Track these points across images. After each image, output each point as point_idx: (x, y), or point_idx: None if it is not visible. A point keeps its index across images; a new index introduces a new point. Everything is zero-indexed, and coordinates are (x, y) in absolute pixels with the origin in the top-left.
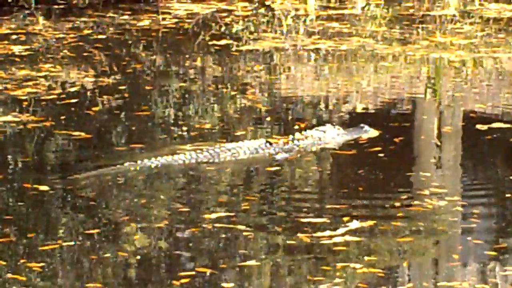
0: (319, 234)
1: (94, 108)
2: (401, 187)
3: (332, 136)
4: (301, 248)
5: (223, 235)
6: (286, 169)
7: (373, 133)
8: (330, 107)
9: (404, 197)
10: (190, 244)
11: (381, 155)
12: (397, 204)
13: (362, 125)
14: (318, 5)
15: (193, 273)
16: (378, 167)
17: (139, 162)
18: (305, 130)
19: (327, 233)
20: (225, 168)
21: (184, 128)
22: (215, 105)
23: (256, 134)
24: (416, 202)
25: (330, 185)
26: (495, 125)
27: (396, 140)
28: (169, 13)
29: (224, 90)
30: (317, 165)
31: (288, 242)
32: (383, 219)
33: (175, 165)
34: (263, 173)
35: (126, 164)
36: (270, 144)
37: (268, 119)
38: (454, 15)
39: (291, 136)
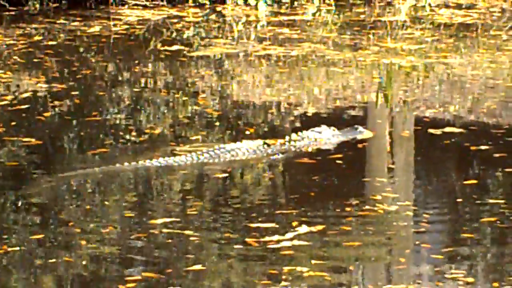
0: (267, 238)
1: (45, 114)
2: (353, 193)
3: (328, 137)
4: (249, 252)
5: (171, 240)
6: (239, 175)
7: (367, 134)
8: (282, 112)
9: (356, 202)
10: (138, 249)
11: (339, 161)
12: (348, 209)
13: (356, 126)
14: (269, 11)
15: (140, 277)
16: (333, 173)
17: (140, 163)
18: (301, 131)
19: (276, 237)
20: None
21: (135, 134)
22: (166, 111)
23: (207, 139)
24: (367, 207)
25: (282, 191)
26: (448, 129)
27: (349, 145)
28: (120, 20)
29: (175, 95)
30: (270, 172)
31: (235, 246)
32: (333, 223)
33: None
34: (215, 179)
35: (126, 164)
36: (268, 145)
37: (217, 124)
38: (405, 21)
39: (287, 137)
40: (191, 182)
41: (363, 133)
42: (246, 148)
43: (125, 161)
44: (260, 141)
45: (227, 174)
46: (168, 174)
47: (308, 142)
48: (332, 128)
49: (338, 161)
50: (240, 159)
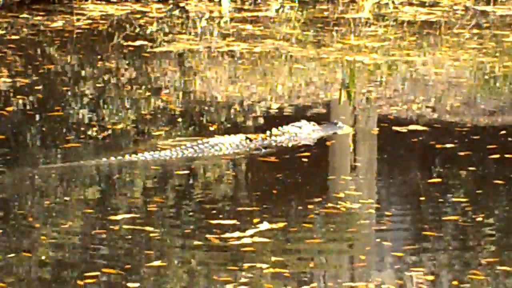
0: (227, 235)
1: (8, 109)
2: (316, 190)
3: (308, 132)
4: (209, 249)
5: (130, 236)
6: (202, 172)
7: (347, 129)
8: (245, 108)
9: (318, 199)
10: (97, 245)
11: (304, 159)
12: (310, 206)
13: (336, 121)
14: (233, 7)
15: (98, 273)
16: (298, 171)
17: (127, 156)
18: (282, 126)
19: (236, 234)
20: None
21: (96, 129)
22: (129, 106)
23: (170, 135)
24: (329, 205)
25: (245, 188)
26: (412, 127)
27: (317, 143)
28: (83, 15)
29: (138, 91)
30: (234, 169)
31: (196, 243)
32: (295, 221)
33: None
34: (178, 175)
35: (112, 158)
36: (250, 140)
37: (180, 120)
38: (368, 18)
39: (268, 132)
40: (156, 178)
41: (343, 128)
42: (229, 143)
43: (88, 156)
44: (242, 136)
45: (191, 171)
46: (138, 169)
47: (288, 136)
48: (312, 123)
49: (303, 159)
50: (223, 153)
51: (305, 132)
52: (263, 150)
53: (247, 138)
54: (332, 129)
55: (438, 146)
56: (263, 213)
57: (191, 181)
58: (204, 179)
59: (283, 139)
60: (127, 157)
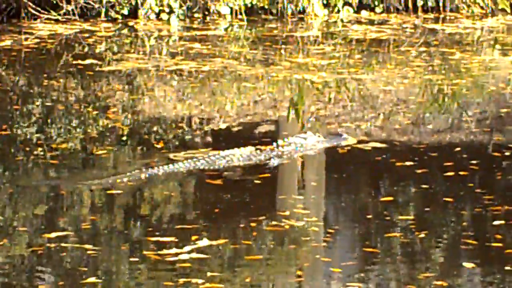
0: (165, 252)
1: None
2: (262, 209)
3: (313, 143)
4: (145, 265)
5: (65, 254)
6: (148, 190)
7: (351, 140)
8: (193, 127)
9: (263, 218)
10: (32, 263)
11: (257, 181)
12: (253, 224)
13: (341, 133)
14: (181, 26)
15: None
16: (247, 191)
17: (138, 171)
18: (287, 137)
19: (173, 250)
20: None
21: (43, 149)
22: (77, 125)
23: (118, 153)
24: (273, 223)
25: (190, 207)
26: (360, 145)
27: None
28: (32, 34)
29: (87, 110)
30: (183, 188)
31: (132, 259)
32: (235, 238)
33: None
34: (125, 194)
35: (128, 173)
36: (260, 151)
37: (128, 139)
38: (317, 36)
39: (275, 143)
40: (101, 196)
41: (347, 140)
42: (240, 154)
43: (35, 176)
44: (252, 148)
45: (139, 189)
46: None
47: (295, 147)
48: (317, 134)
49: (256, 180)
50: (235, 165)
51: (310, 143)
52: (276, 160)
53: (257, 149)
54: (337, 140)
55: (390, 163)
56: (204, 230)
57: (137, 200)
58: (151, 197)
59: (289, 149)
60: (137, 171)
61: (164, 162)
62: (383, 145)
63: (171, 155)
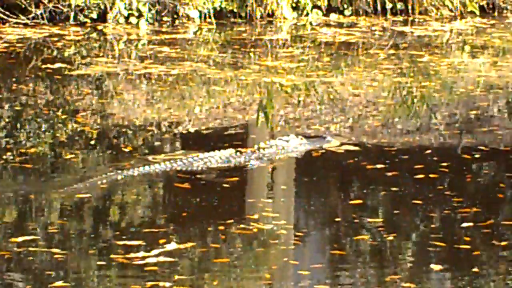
0: (132, 255)
1: None
2: (230, 213)
3: (295, 146)
4: (113, 268)
5: (33, 258)
6: (120, 192)
7: (334, 143)
8: (162, 131)
9: (230, 221)
10: None
11: (225, 185)
12: (221, 227)
13: (324, 135)
14: (150, 30)
15: None
16: (217, 195)
17: (114, 172)
18: (269, 140)
19: (141, 254)
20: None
21: (12, 153)
22: (46, 129)
23: (88, 158)
24: (241, 226)
25: (156, 210)
26: (331, 148)
27: (242, 164)
28: (0, 38)
29: (55, 114)
30: (152, 192)
31: (99, 263)
32: (203, 241)
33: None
34: (96, 198)
35: (109, 174)
36: (241, 153)
37: (97, 142)
38: (286, 40)
39: (256, 146)
40: (70, 200)
41: (331, 142)
42: (219, 156)
43: (4, 181)
44: (232, 150)
45: (110, 192)
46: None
47: (276, 150)
48: (300, 137)
49: (224, 184)
50: (213, 167)
51: (291, 146)
52: (256, 162)
53: (237, 151)
54: (320, 142)
55: (360, 166)
56: (172, 234)
57: (106, 203)
58: (120, 201)
59: (271, 151)
60: (113, 172)
61: (139, 164)
62: (355, 148)
63: (150, 157)
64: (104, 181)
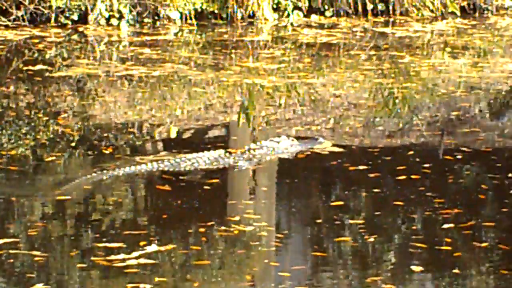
0: (113, 257)
1: None
2: (212, 215)
3: (285, 147)
4: (94, 271)
5: (13, 260)
6: (102, 194)
7: (326, 144)
8: (144, 132)
9: (211, 223)
10: None
11: (206, 186)
12: (202, 229)
13: (316, 136)
14: (131, 31)
15: None
16: (197, 196)
17: (104, 171)
18: (259, 141)
19: (121, 256)
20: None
21: None
22: (27, 132)
23: (69, 160)
24: (222, 228)
25: (136, 212)
26: (311, 149)
27: (227, 168)
28: None
29: (37, 116)
30: (134, 194)
31: (79, 265)
32: (184, 243)
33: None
34: (76, 201)
35: (94, 174)
36: (230, 153)
37: (78, 144)
38: (267, 41)
39: (246, 147)
40: (52, 202)
41: (322, 143)
42: (208, 157)
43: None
44: (221, 150)
45: (92, 194)
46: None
47: (266, 151)
48: (291, 138)
49: (205, 186)
50: (201, 167)
51: (282, 147)
52: (246, 163)
53: (226, 152)
54: (311, 144)
55: (343, 167)
56: (152, 236)
57: (88, 205)
58: (101, 203)
59: (261, 152)
60: (99, 172)
61: (125, 165)
62: (338, 149)
63: (137, 158)
64: (90, 181)
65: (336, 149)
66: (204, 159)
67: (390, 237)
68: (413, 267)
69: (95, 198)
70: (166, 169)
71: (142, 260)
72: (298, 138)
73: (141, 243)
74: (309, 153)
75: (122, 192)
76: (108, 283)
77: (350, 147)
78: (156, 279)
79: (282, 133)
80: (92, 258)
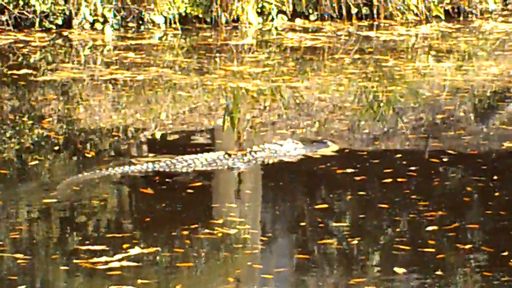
0: (95, 260)
1: None
2: (195, 218)
3: (288, 150)
4: (75, 273)
5: None
6: (84, 197)
7: (333, 147)
8: (128, 136)
9: (195, 226)
10: None
11: (190, 190)
12: (185, 232)
13: (323, 140)
14: (116, 35)
15: None
16: (181, 200)
17: (97, 171)
18: (263, 144)
19: (104, 259)
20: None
21: None
22: (11, 136)
23: (54, 164)
24: (206, 231)
25: (122, 215)
26: (296, 153)
27: (212, 172)
28: None
29: (21, 120)
30: (118, 197)
31: (62, 268)
32: (167, 246)
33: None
34: (60, 203)
35: (86, 174)
36: (229, 155)
37: (63, 148)
38: (252, 45)
39: (248, 149)
40: (38, 205)
41: (330, 147)
42: (205, 158)
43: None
44: (221, 152)
45: (77, 196)
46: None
47: (268, 153)
48: (295, 141)
49: (189, 190)
50: (198, 169)
51: (284, 149)
52: (244, 165)
53: (226, 153)
54: (317, 147)
55: (329, 171)
56: (135, 239)
57: (74, 207)
58: (86, 206)
59: (263, 155)
60: (94, 172)
61: (119, 166)
62: (320, 153)
63: (133, 160)
64: (79, 181)
65: (310, 153)
66: (201, 160)
67: (374, 239)
68: (397, 269)
69: (82, 200)
70: (161, 170)
71: (125, 263)
72: (304, 141)
73: (124, 246)
74: (300, 156)
75: (111, 194)
76: (92, 285)
77: (339, 150)
78: (139, 281)
79: (269, 137)
80: (75, 261)
